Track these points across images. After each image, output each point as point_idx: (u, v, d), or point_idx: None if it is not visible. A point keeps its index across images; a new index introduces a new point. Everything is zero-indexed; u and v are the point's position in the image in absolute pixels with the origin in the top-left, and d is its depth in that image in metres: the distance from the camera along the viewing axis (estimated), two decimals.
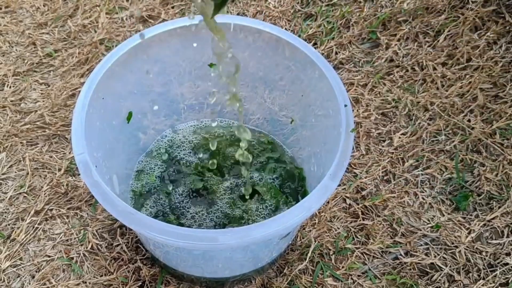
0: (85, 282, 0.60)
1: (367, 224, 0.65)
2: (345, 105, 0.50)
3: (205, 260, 0.53)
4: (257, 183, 0.62)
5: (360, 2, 0.91)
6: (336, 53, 0.84)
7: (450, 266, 0.63)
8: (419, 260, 0.63)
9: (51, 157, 0.71)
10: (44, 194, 0.68)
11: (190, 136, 0.68)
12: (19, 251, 0.63)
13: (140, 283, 0.60)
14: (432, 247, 0.64)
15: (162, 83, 0.63)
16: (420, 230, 0.65)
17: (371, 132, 0.74)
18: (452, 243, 0.64)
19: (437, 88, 0.79)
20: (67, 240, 0.64)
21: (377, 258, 0.63)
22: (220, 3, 0.40)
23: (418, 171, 0.71)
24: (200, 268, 0.56)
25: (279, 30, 0.56)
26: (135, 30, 0.87)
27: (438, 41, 0.84)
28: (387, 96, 0.78)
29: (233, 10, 0.90)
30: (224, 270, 0.56)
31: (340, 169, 0.46)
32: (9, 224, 0.65)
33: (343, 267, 0.62)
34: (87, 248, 0.63)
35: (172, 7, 0.90)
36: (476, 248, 0.64)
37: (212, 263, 0.54)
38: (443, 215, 0.67)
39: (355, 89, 0.79)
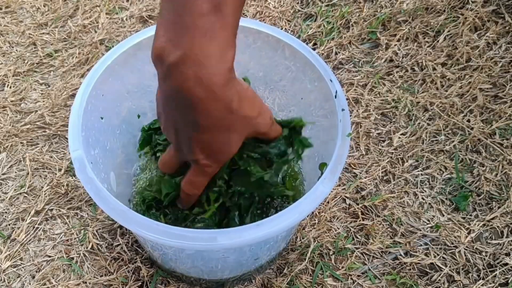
0: (85, 282, 0.60)
1: (367, 224, 0.65)
2: (343, 109, 0.50)
3: (204, 262, 0.53)
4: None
5: (360, 2, 0.91)
6: (336, 54, 0.84)
7: (450, 266, 0.63)
8: (418, 260, 0.63)
9: (51, 157, 0.71)
10: (44, 194, 0.68)
11: None
12: (19, 251, 0.63)
13: (140, 283, 0.61)
14: (432, 247, 0.64)
15: None
16: (420, 230, 0.65)
17: (370, 132, 0.75)
18: (452, 243, 0.64)
19: (437, 88, 0.79)
20: (67, 240, 0.64)
21: (377, 258, 0.63)
22: None
23: (418, 171, 0.71)
24: (199, 269, 0.56)
25: (279, 32, 0.56)
26: (135, 30, 0.87)
27: (438, 41, 0.85)
28: (387, 96, 0.78)
29: None
30: (223, 270, 0.56)
31: (334, 174, 0.45)
32: (9, 224, 0.65)
33: (343, 267, 0.62)
34: (87, 248, 0.63)
35: None
36: (476, 248, 0.64)
37: (211, 264, 0.54)
38: (443, 215, 0.67)
39: (355, 89, 0.79)
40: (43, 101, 0.78)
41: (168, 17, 0.35)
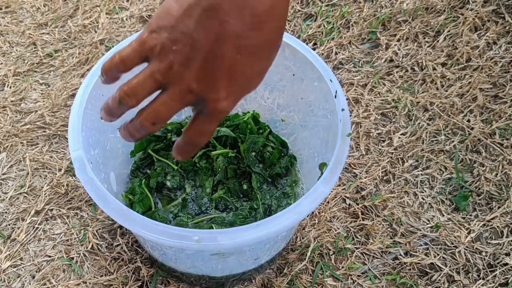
0: (85, 282, 0.60)
1: (367, 224, 0.65)
2: (342, 109, 0.50)
3: (204, 262, 0.53)
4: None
5: (360, 2, 0.91)
6: (336, 53, 0.84)
7: (450, 266, 0.63)
8: (418, 260, 0.63)
9: (51, 157, 0.71)
10: (44, 194, 0.68)
11: None
12: (19, 251, 0.63)
13: (140, 283, 0.61)
14: (432, 247, 0.64)
15: None
16: (420, 230, 0.65)
17: (371, 132, 0.75)
18: (452, 243, 0.64)
19: (437, 88, 0.79)
20: (67, 240, 0.64)
21: (377, 258, 0.63)
22: None
23: (418, 171, 0.71)
24: (199, 269, 0.56)
25: None
26: (135, 30, 0.87)
27: (438, 41, 0.85)
28: (387, 96, 0.78)
29: None
30: (223, 270, 0.56)
31: (334, 174, 0.45)
32: (9, 224, 0.65)
33: (343, 267, 0.62)
34: (87, 248, 0.63)
35: None
36: (476, 248, 0.64)
37: (211, 264, 0.54)
38: (443, 215, 0.67)
39: (355, 89, 0.79)
40: (43, 101, 0.78)
41: None
